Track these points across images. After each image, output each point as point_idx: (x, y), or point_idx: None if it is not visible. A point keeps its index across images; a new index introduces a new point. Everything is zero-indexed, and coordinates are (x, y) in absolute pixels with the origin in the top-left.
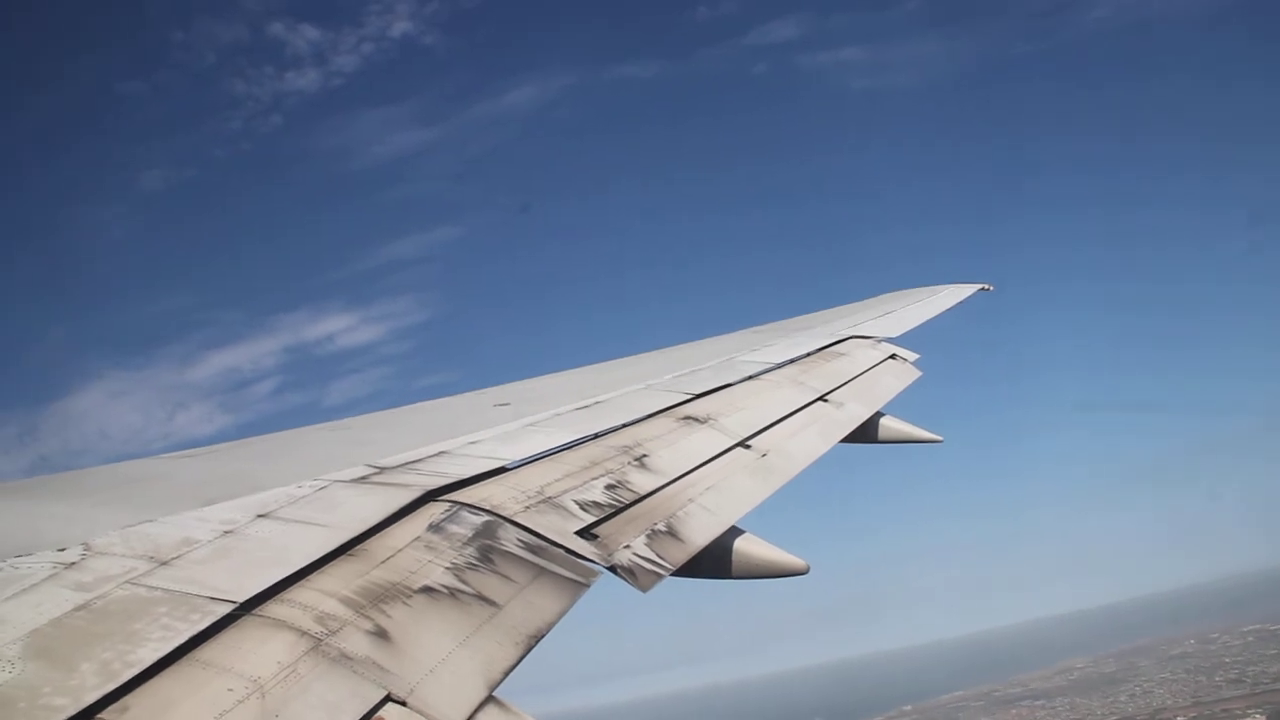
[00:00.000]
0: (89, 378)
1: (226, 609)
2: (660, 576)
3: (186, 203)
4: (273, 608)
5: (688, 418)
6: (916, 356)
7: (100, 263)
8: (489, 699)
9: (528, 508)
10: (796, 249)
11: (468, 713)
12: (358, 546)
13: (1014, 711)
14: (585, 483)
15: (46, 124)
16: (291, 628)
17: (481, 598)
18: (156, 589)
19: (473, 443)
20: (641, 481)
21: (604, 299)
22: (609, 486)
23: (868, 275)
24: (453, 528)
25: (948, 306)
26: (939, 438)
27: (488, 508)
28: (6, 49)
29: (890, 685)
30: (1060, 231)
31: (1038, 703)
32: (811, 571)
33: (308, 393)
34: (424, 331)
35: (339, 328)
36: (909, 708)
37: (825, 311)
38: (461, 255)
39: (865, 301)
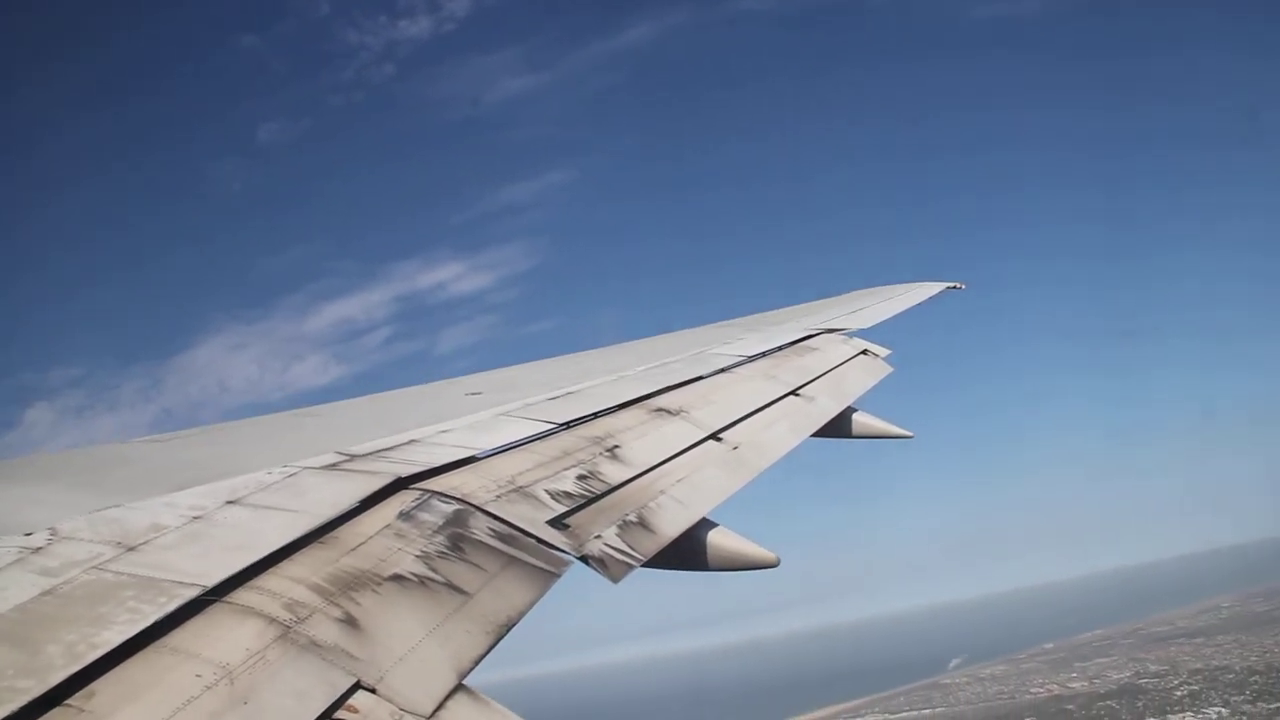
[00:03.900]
0: (209, 331)
1: (194, 594)
2: (631, 567)
3: (301, 154)
4: (242, 594)
5: (660, 409)
6: (888, 352)
7: (218, 216)
8: (458, 687)
9: (499, 497)
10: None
11: (437, 701)
12: (328, 534)
13: (1173, 648)
14: (557, 473)
15: (164, 80)
16: (260, 614)
17: (452, 586)
18: (123, 574)
19: (444, 431)
20: (613, 472)
21: (711, 247)
22: (581, 477)
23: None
24: (423, 516)
25: (917, 302)
26: (909, 433)
27: (458, 496)
28: (125, 7)
29: (1024, 624)
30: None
31: (1196, 640)
32: (936, 511)
33: (418, 342)
34: (532, 278)
35: (449, 275)
36: (1050, 645)
37: (797, 306)
38: (571, 200)
39: (837, 297)
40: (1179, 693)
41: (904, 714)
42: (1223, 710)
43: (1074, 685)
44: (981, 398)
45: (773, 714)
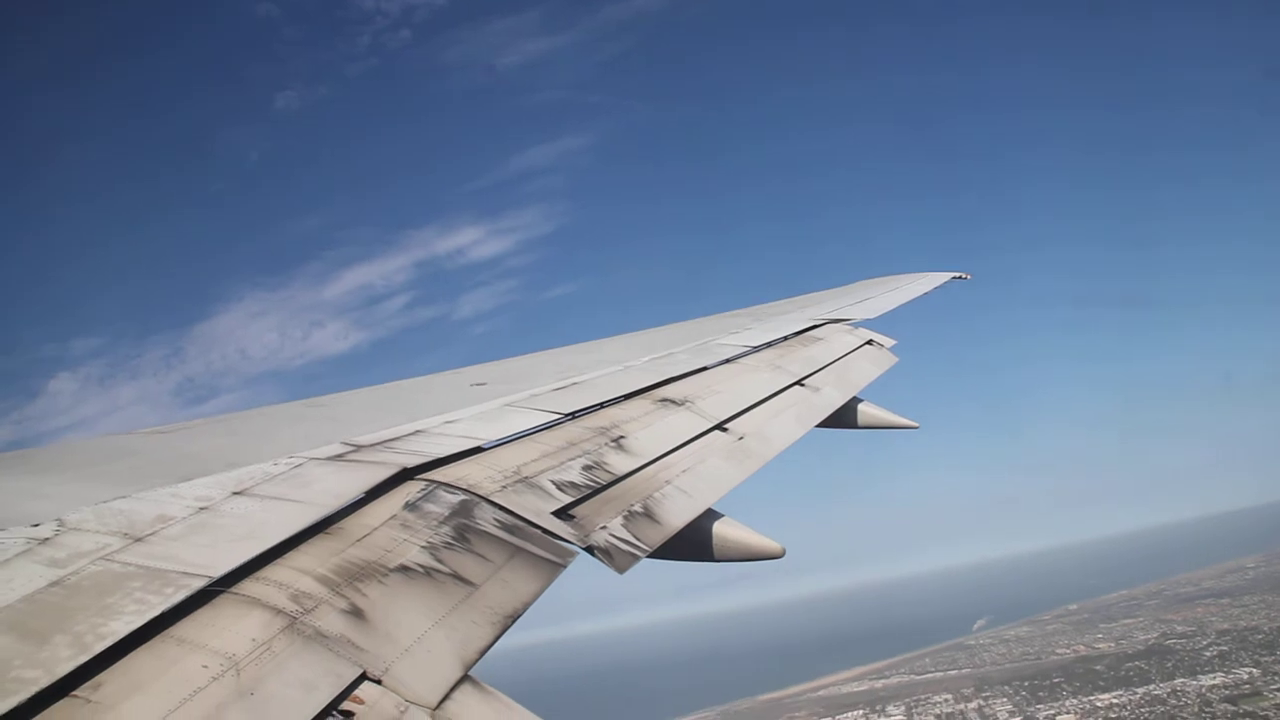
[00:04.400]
0: (229, 300)
1: (201, 585)
2: (637, 558)
3: (319, 121)
4: (248, 585)
5: (665, 400)
6: (893, 342)
7: (237, 185)
8: (464, 678)
9: (504, 487)
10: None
11: (443, 692)
12: (334, 524)
13: (1199, 609)
14: (562, 463)
15: (180, 50)
16: (267, 605)
17: (457, 577)
18: (130, 565)
19: (450, 422)
20: (619, 463)
21: (726, 207)
22: (586, 467)
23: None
24: (429, 506)
25: (923, 292)
26: (915, 424)
27: (464, 487)
28: None
29: (1048, 585)
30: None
31: (1222, 600)
32: (958, 478)
33: (438, 307)
34: (552, 242)
35: (468, 241)
36: (1074, 606)
37: (802, 296)
38: (589, 164)
39: (843, 288)
40: (1208, 653)
41: (930, 675)
42: (1254, 670)
43: (1100, 646)
44: (994, 371)
45: (796, 676)
